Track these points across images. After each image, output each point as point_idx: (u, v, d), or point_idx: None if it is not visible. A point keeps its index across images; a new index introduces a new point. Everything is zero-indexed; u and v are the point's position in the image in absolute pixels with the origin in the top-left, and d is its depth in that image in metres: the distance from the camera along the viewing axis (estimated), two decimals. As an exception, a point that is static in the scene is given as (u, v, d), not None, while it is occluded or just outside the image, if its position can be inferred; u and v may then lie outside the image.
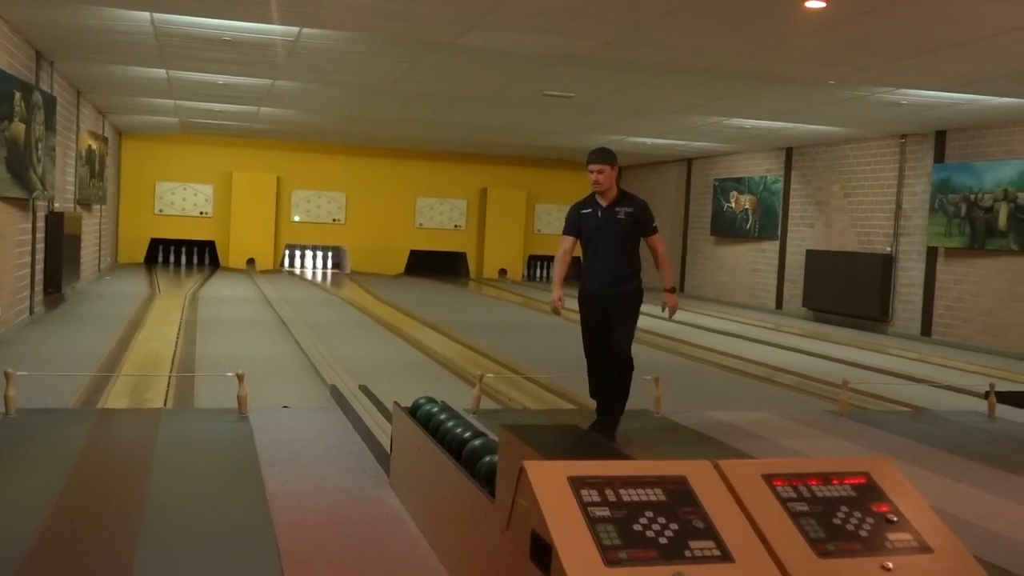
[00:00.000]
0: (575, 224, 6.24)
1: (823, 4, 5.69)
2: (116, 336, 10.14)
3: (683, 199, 21.22)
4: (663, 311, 6.42)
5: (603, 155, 6.12)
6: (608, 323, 6.12)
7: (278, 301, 14.86)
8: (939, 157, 13.68)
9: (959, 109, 11.67)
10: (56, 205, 12.20)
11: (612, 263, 6.14)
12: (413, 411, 4.73)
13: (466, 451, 3.85)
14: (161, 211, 21.75)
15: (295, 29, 9.03)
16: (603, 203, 6.18)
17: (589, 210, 6.21)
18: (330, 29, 9.02)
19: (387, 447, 5.29)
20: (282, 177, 22.26)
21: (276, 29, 9.06)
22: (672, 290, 6.39)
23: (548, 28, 8.41)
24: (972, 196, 12.87)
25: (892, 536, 2.47)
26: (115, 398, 6.99)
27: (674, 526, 2.36)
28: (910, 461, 5.88)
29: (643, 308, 6.18)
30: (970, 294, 13.08)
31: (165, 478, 4.87)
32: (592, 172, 6.10)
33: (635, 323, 6.22)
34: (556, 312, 6.35)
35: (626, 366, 6.11)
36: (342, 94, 13.54)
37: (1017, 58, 8.47)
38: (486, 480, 3.46)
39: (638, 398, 7.18)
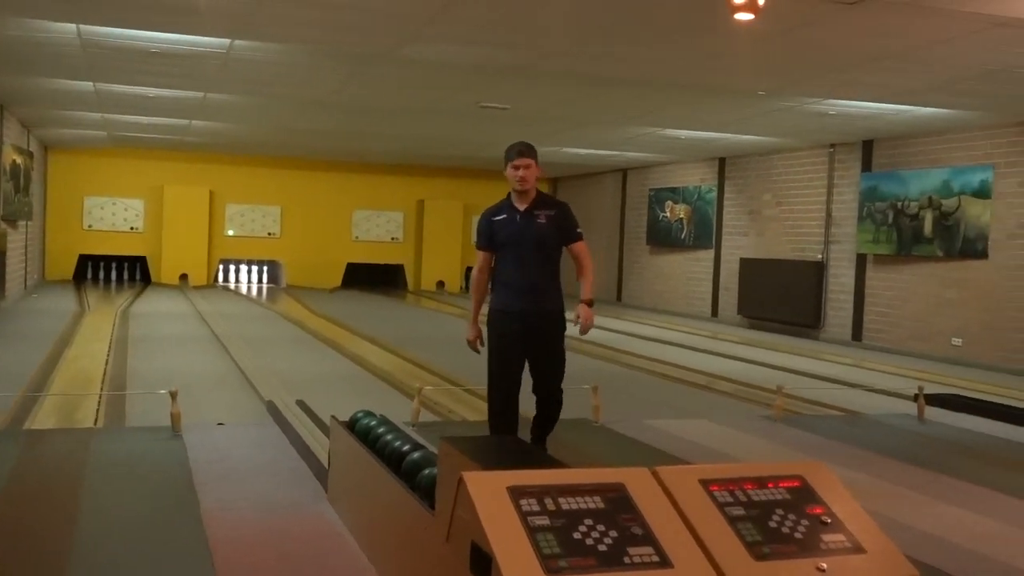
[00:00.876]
0: (489, 234, 5.41)
1: (751, 16, 5.79)
2: (44, 354, 9.88)
3: (619, 209, 21.40)
4: (575, 323, 5.37)
5: (530, 149, 5.36)
6: (526, 351, 5.28)
7: (212, 316, 14.63)
8: (867, 166, 14.00)
9: (886, 119, 11.97)
10: (-20, 221, 11.87)
11: (532, 275, 5.29)
12: (351, 425, 4.69)
13: (405, 464, 3.82)
14: (90, 226, 21.29)
15: (227, 41, 8.92)
16: (521, 207, 5.33)
17: (503, 216, 5.37)
18: (264, 41, 8.93)
19: (325, 462, 5.23)
20: (215, 191, 21.95)
21: (207, 41, 8.94)
22: (590, 303, 5.39)
23: (485, 40, 8.43)
24: (899, 204, 13.19)
25: (826, 537, 2.51)
26: (44, 418, 6.80)
27: (613, 533, 2.37)
28: (844, 464, 5.98)
29: (572, 316, 5.39)
30: (899, 300, 13.39)
31: (96, 499, 4.76)
32: (517, 168, 5.29)
33: (564, 359, 5.42)
34: (474, 351, 5.51)
35: (556, 413, 5.45)
36: (277, 106, 13.41)
37: (941, 70, 8.71)
38: (426, 493, 3.44)
39: (576, 407, 7.20)
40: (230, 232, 22.24)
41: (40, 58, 10.15)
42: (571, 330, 5.39)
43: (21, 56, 10.14)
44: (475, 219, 5.75)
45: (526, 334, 5.25)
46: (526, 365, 5.35)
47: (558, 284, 5.41)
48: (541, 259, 5.31)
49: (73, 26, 8.54)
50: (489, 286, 5.48)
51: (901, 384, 9.74)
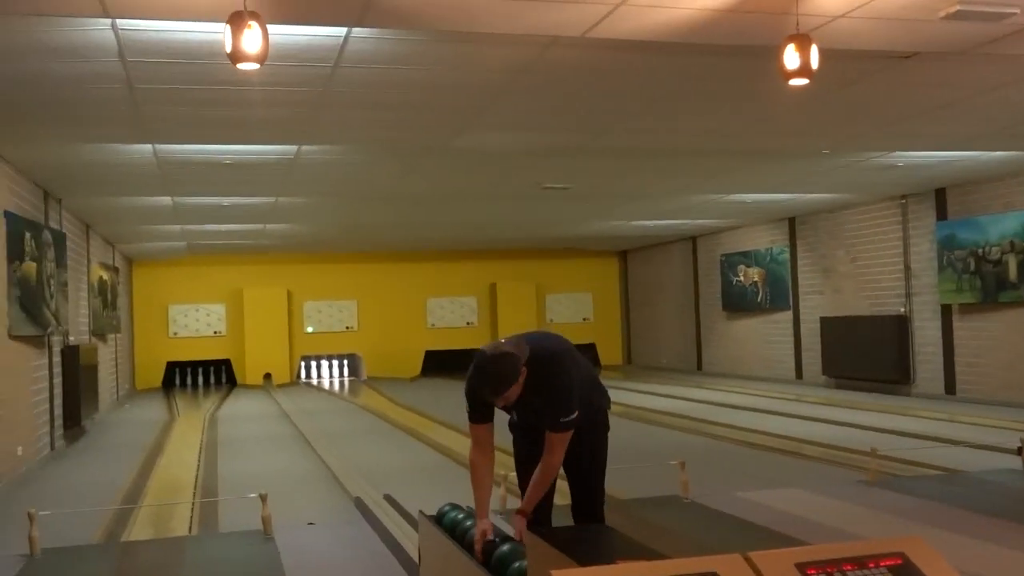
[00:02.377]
0: (481, 408, 4.10)
1: (805, 80, 5.79)
2: (137, 464, 10.11)
3: (691, 277, 21.27)
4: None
5: (503, 383, 3.84)
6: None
7: (296, 414, 14.83)
8: (941, 215, 13.74)
9: (955, 166, 11.77)
10: (71, 338, 12.30)
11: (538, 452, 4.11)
12: (439, 519, 4.68)
13: (494, 558, 3.80)
14: (175, 334, 21.89)
15: (293, 147, 9.23)
16: (512, 399, 3.95)
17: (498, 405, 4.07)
18: (326, 144, 9.22)
19: (415, 557, 5.22)
20: (292, 290, 22.45)
21: (274, 148, 9.27)
22: (525, 514, 4.08)
23: (536, 127, 8.58)
24: (979, 250, 12.88)
25: (934, 615, 2.41)
26: (139, 529, 6.93)
27: (710, 624, 2.31)
28: (947, 527, 5.76)
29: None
30: (988, 349, 12.98)
31: (193, 609, 4.80)
32: (497, 404, 4.00)
33: (604, 458, 4.35)
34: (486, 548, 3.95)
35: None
36: (343, 204, 13.75)
37: (1000, 114, 8.56)
38: (517, 587, 3.41)
39: (665, 484, 7.10)
40: (309, 329, 22.65)
41: (119, 178, 10.61)
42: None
43: (102, 178, 10.63)
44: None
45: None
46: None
47: (593, 400, 4.23)
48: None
49: (149, 146, 8.93)
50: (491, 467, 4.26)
51: (1000, 437, 9.39)
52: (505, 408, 4.09)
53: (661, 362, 22.56)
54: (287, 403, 16.81)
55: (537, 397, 3.94)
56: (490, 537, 3.93)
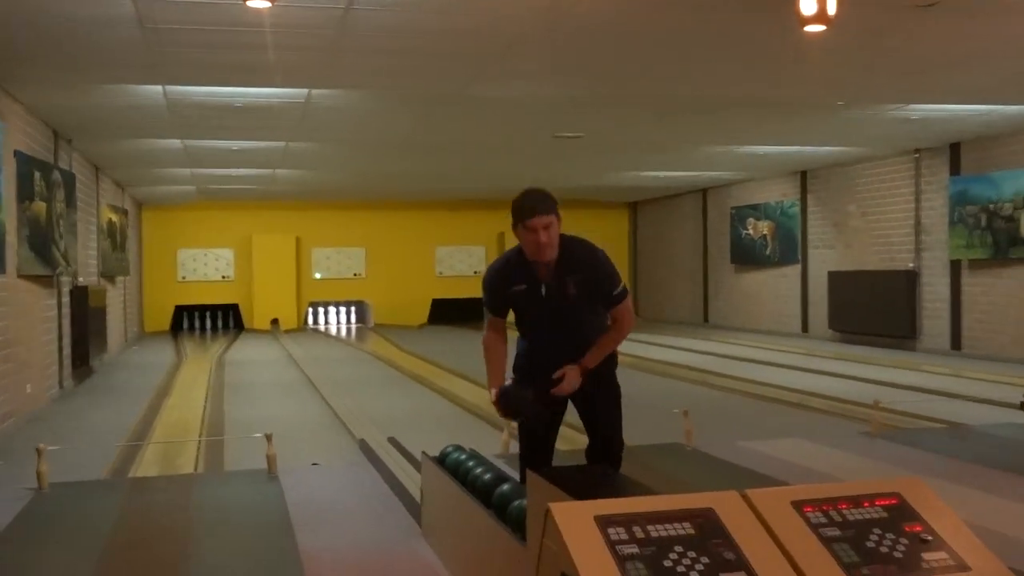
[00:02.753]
0: (503, 302, 4.03)
1: (822, 27, 5.71)
2: (145, 405, 10.20)
3: (701, 230, 21.20)
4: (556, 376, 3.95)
5: (548, 201, 3.83)
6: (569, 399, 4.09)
7: (304, 360, 14.91)
8: (955, 170, 13.62)
9: (971, 121, 11.64)
10: (80, 279, 12.36)
11: (560, 359, 3.97)
12: (441, 460, 4.72)
13: (495, 497, 3.83)
14: (184, 278, 21.97)
15: (304, 91, 9.17)
16: (544, 275, 3.91)
17: (523, 286, 3.95)
18: (338, 89, 9.15)
19: (418, 498, 5.27)
20: (301, 236, 22.46)
21: (286, 92, 9.21)
22: (583, 369, 3.97)
23: (551, 75, 8.50)
24: (991, 206, 12.79)
25: (927, 556, 2.43)
26: (146, 466, 7.01)
27: (704, 559, 2.33)
28: (948, 478, 5.79)
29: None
30: (998, 305, 12.94)
31: (199, 543, 4.87)
32: (534, 231, 3.78)
33: (619, 400, 4.17)
34: (508, 410, 3.99)
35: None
36: (355, 151, 13.69)
37: (1021, 66, 8.45)
38: (517, 525, 3.44)
39: (668, 432, 7.13)
40: (317, 275, 22.71)
41: (130, 121, 10.58)
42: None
43: (112, 120, 10.59)
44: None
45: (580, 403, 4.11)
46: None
47: (603, 326, 4.09)
48: (578, 330, 4.00)
49: (159, 88, 8.88)
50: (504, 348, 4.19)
51: (1005, 393, 9.40)
52: (521, 313, 3.96)
53: (668, 314, 22.57)
54: (294, 349, 16.90)
55: (576, 274, 3.86)
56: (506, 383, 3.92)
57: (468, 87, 8.83)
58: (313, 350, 16.77)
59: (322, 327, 22.78)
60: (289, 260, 22.23)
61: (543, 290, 3.92)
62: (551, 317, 3.98)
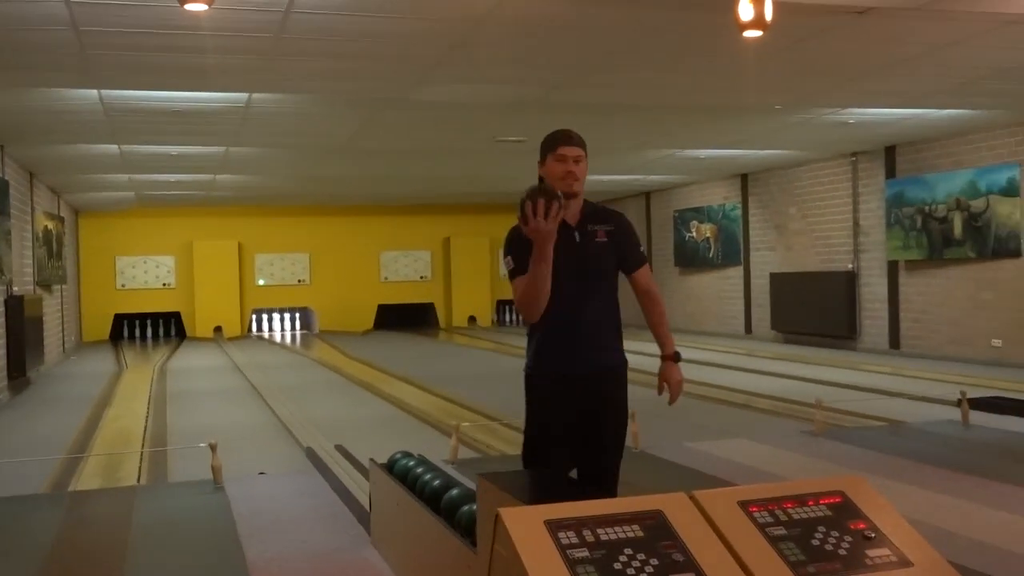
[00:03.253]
0: (527, 256, 3.34)
1: (760, 32, 5.80)
2: (85, 416, 9.99)
3: (644, 232, 21.37)
4: (660, 393, 3.81)
5: (581, 139, 3.60)
6: (580, 428, 3.58)
7: (248, 367, 14.73)
8: (891, 172, 13.91)
9: (906, 124, 11.90)
10: (15, 289, 12.07)
11: (591, 315, 3.59)
12: (390, 467, 4.70)
13: (444, 502, 3.83)
14: (123, 286, 21.57)
15: (244, 95, 9.06)
16: (570, 218, 3.53)
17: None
18: (279, 92, 9.06)
19: (367, 506, 5.24)
20: (243, 243, 22.20)
21: (225, 96, 9.09)
22: (677, 358, 3.81)
23: (492, 79, 8.51)
24: (926, 208, 13.09)
25: (871, 553, 2.48)
26: (87, 479, 6.87)
27: (654, 561, 2.36)
28: (889, 475, 5.91)
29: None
30: (934, 304, 13.25)
31: (142, 557, 4.79)
32: (565, 160, 3.54)
33: (626, 430, 3.82)
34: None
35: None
36: (297, 156, 13.57)
37: (955, 72, 8.67)
38: (466, 530, 3.44)
39: (615, 435, 7.15)
40: (261, 282, 22.45)
41: (64, 125, 10.36)
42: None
43: (46, 125, 10.36)
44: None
45: (580, 399, 3.55)
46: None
47: (619, 324, 3.80)
48: (603, 293, 3.64)
49: (94, 92, 8.71)
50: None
51: (943, 390, 9.62)
52: (562, 249, 3.32)
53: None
54: (238, 356, 16.69)
55: (605, 224, 3.60)
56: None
57: (410, 91, 8.80)
58: (257, 357, 16.58)
59: (266, 334, 22.54)
60: (232, 267, 21.94)
61: (577, 236, 3.54)
62: (577, 273, 3.51)
